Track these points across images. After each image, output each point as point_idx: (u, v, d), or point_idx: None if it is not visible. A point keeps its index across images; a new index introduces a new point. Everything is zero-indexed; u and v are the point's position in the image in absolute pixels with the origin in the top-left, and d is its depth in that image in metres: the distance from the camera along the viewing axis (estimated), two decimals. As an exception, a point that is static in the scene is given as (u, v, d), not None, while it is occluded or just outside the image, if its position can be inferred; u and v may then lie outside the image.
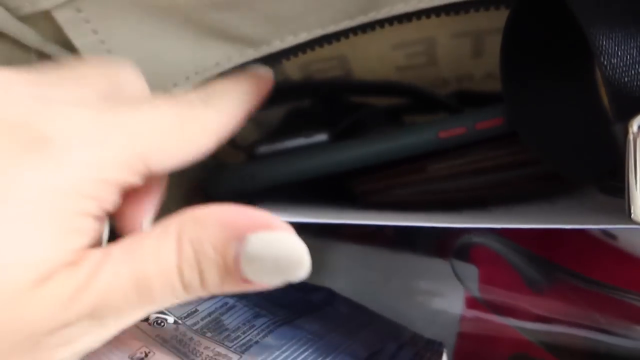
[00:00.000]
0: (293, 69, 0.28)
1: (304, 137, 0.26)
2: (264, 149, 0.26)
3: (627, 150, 0.14)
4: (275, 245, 0.13)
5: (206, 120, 0.16)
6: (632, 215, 0.15)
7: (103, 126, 0.13)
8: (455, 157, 0.25)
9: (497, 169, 0.24)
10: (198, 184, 0.29)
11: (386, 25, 0.23)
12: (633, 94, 0.14)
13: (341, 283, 0.26)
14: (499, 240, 0.25)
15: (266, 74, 0.21)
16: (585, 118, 0.19)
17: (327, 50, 0.24)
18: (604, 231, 0.25)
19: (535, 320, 0.23)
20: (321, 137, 0.26)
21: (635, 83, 0.14)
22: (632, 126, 0.14)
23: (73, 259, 0.12)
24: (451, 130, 0.22)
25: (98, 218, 0.13)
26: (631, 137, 0.14)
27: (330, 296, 0.24)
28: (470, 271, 0.25)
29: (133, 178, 0.14)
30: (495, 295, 0.24)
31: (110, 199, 0.13)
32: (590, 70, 0.19)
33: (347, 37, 0.23)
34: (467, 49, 0.26)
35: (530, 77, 0.20)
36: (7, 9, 0.19)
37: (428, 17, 0.22)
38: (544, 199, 0.24)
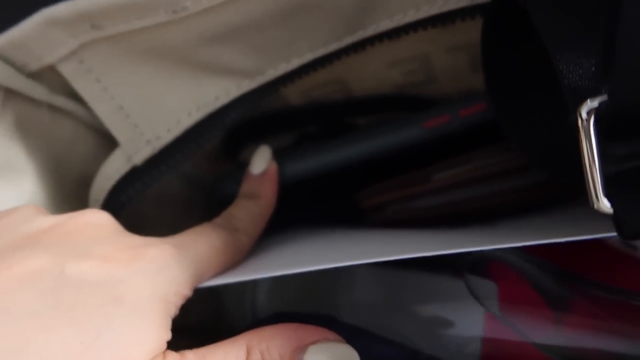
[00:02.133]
0: (294, 96, 0.29)
1: None
2: None
3: (580, 139, 0.13)
4: (331, 351, 0.16)
5: (242, 244, 0.21)
6: (595, 205, 0.14)
7: (179, 256, 0.18)
8: (460, 164, 0.24)
9: (503, 175, 0.24)
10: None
11: (377, 43, 0.23)
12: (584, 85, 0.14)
13: (345, 303, 0.26)
14: (513, 253, 0.24)
15: (271, 172, 0.25)
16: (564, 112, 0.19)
17: (324, 75, 0.25)
18: (624, 242, 0.24)
19: (561, 338, 0.22)
20: None
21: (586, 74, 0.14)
22: (580, 114, 0.13)
23: (164, 350, 0.16)
24: (434, 119, 0.23)
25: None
26: (580, 125, 0.13)
27: (328, 325, 0.24)
28: (489, 288, 0.24)
29: (191, 292, 0.18)
30: (517, 313, 0.23)
31: (179, 307, 0.17)
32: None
33: (339, 58, 0.24)
34: (464, 63, 0.26)
35: (512, 75, 0.20)
36: (15, 67, 0.21)
37: (415, 31, 0.23)
38: (555, 208, 0.23)
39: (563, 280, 0.24)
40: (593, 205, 0.14)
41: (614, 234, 0.14)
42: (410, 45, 0.25)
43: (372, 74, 0.27)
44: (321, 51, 0.23)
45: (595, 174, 0.14)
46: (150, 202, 0.27)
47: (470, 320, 0.24)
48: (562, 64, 0.14)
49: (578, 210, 0.23)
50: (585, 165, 0.14)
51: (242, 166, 0.27)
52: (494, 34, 0.19)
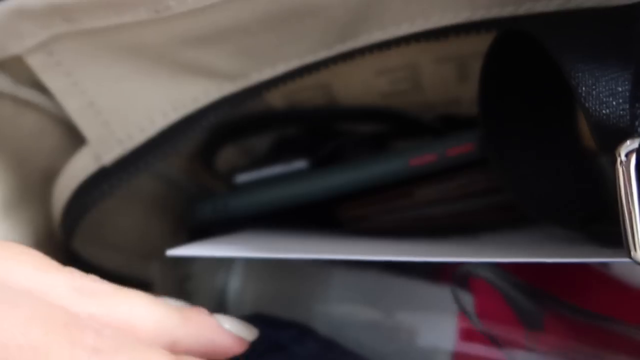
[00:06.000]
0: (277, 98, 0.28)
1: (282, 164, 0.26)
2: (242, 177, 0.26)
3: (617, 180, 0.13)
4: None
5: None
6: (632, 254, 0.13)
7: None
8: (445, 181, 0.24)
9: (489, 192, 0.23)
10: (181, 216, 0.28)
11: (367, 53, 0.22)
12: (616, 125, 0.13)
13: (319, 310, 0.25)
14: (491, 270, 0.24)
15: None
16: (566, 159, 0.18)
17: (309, 80, 0.24)
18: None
19: (535, 357, 0.22)
20: (300, 164, 0.26)
21: (616, 113, 0.14)
22: (619, 154, 0.13)
23: None
24: (421, 157, 0.22)
25: None
26: (619, 165, 0.13)
27: (301, 335, 0.23)
28: (467, 300, 0.24)
29: None
30: (492, 328, 0.23)
31: None
32: (571, 110, 0.19)
33: (327, 66, 0.23)
34: (452, 73, 0.26)
35: (509, 110, 0.20)
36: (-24, 56, 0.19)
37: (408, 43, 0.22)
38: (537, 225, 0.23)
39: (536, 299, 0.24)
40: (629, 255, 0.13)
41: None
42: (401, 55, 0.24)
43: (359, 81, 0.27)
44: (309, 59, 0.22)
45: (635, 223, 0.13)
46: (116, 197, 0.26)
47: (441, 333, 0.24)
48: (587, 101, 0.13)
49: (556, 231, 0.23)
50: (623, 213, 0.13)
51: (222, 189, 0.26)
52: (494, 75, 0.19)
